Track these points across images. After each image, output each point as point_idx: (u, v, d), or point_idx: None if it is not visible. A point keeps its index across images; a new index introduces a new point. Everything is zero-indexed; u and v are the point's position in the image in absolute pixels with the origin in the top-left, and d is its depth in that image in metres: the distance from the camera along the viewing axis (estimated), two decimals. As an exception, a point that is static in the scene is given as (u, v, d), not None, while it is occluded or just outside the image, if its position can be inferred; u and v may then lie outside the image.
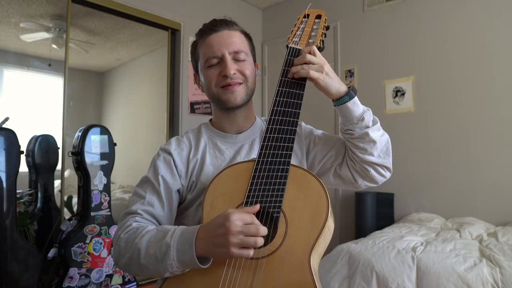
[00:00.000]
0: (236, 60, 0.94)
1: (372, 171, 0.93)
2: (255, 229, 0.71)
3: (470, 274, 1.72)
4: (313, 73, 0.84)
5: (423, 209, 2.93)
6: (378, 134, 0.91)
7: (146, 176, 0.96)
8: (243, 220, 0.71)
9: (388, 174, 0.96)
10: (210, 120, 1.08)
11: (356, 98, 0.89)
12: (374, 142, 0.90)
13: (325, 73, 0.85)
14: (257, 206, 0.78)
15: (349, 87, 0.89)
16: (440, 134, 2.89)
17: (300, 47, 0.92)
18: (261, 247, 0.76)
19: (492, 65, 2.69)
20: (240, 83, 0.95)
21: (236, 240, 0.70)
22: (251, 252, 0.71)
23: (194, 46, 1.00)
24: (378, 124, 0.92)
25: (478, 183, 2.70)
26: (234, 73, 0.93)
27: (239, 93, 0.94)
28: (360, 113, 0.89)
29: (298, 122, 1.04)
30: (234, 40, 0.95)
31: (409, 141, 3.03)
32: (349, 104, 0.88)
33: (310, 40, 0.94)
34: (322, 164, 1.00)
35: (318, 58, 0.87)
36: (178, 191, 0.95)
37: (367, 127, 0.89)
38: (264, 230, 0.72)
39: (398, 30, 3.15)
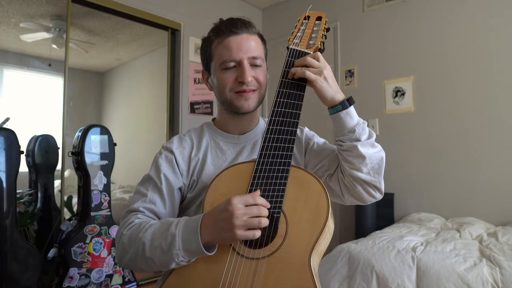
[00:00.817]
0: (253, 65, 0.93)
1: (360, 188, 0.90)
2: (257, 209, 0.73)
3: (470, 274, 1.73)
4: (310, 75, 0.84)
5: (423, 209, 2.93)
6: (370, 150, 0.87)
7: (148, 174, 0.96)
8: (245, 202, 0.73)
9: (378, 195, 0.92)
10: (213, 119, 1.07)
11: (351, 109, 0.86)
12: (363, 157, 0.86)
13: (323, 77, 0.85)
14: (258, 192, 0.78)
15: (346, 98, 0.87)
16: (440, 134, 2.89)
17: (300, 49, 0.92)
18: (261, 247, 0.77)
19: (492, 65, 2.69)
20: (254, 90, 0.94)
21: (240, 223, 0.71)
22: (256, 233, 0.73)
23: (209, 43, 0.97)
24: (373, 139, 0.89)
25: (478, 183, 2.71)
26: (251, 80, 0.92)
27: (252, 100, 0.95)
28: (352, 125, 0.86)
29: (301, 127, 1.03)
30: (252, 45, 0.93)
31: (409, 141, 3.03)
32: (342, 114, 0.86)
33: (311, 42, 0.94)
34: (314, 172, 0.99)
35: (320, 62, 0.86)
36: (180, 189, 0.96)
37: (357, 140, 0.86)
38: (265, 211, 0.75)
39: (398, 30, 3.15)
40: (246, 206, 0.73)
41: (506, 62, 2.63)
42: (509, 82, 2.62)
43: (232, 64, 0.92)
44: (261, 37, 0.99)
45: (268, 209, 0.78)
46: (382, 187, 0.91)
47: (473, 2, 2.79)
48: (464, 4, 2.83)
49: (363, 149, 0.86)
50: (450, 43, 2.88)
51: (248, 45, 0.92)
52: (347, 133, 0.87)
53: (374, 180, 0.89)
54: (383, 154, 0.90)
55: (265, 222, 0.73)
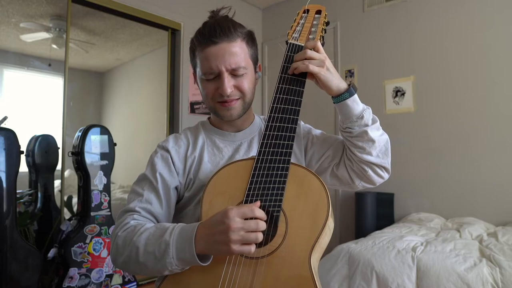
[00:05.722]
0: (234, 75, 0.90)
1: (370, 171, 0.92)
2: (255, 224, 0.71)
3: (470, 274, 1.72)
4: (313, 67, 0.83)
5: (423, 209, 2.93)
6: (377, 133, 0.90)
7: (143, 174, 0.95)
8: (243, 215, 0.71)
9: (386, 175, 0.95)
10: (209, 118, 1.07)
11: (356, 95, 0.87)
12: (373, 141, 0.88)
13: (325, 68, 0.84)
14: (258, 203, 0.77)
15: (349, 84, 0.88)
16: (440, 134, 2.89)
17: (300, 43, 0.91)
18: (261, 246, 0.76)
19: (492, 65, 2.69)
20: (237, 99, 0.92)
21: (236, 237, 0.69)
22: (252, 248, 0.71)
23: (193, 48, 0.96)
24: (378, 123, 0.91)
25: (478, 183, 2.70)
26: (231, 91, 0.90)
27: (235, 110, 0.93)
28: (359, 111, 0.88)
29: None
30: (233, 54, 0.89)
31: (409, 141, 3.03)
32: (349, 101, 0.87)
33: (310, 36, 0.93)
34: (320, 164, 1.00)
35: (321, 54, 0.85)
36: (176, 188, 0.95)
37: (366, 125, 0.88)
38: (263, 224, 0.72)
39: (398, 30, 3.15)
40: (244, 219, 0.71)
41: (506, 62, 2.63)
42: (509, 82, 2.62)
43: (212, 76, 0.90)
44: (247, 37, 0.94)
45: (268, 207, 0.77)
46: (390, 167, 0.94)
47: (473, 2, 2.79)
48: (464, 4, 2.83)
49: (372, 133, 0.88)
50: (450, 43, 2.88)
51: (228, 56, 0.88)
52: (356, 119, 0.88)
53: (383, 161, 0.92)
54: (387, 136, 0.94)
55: (261, 237, 0.71)
